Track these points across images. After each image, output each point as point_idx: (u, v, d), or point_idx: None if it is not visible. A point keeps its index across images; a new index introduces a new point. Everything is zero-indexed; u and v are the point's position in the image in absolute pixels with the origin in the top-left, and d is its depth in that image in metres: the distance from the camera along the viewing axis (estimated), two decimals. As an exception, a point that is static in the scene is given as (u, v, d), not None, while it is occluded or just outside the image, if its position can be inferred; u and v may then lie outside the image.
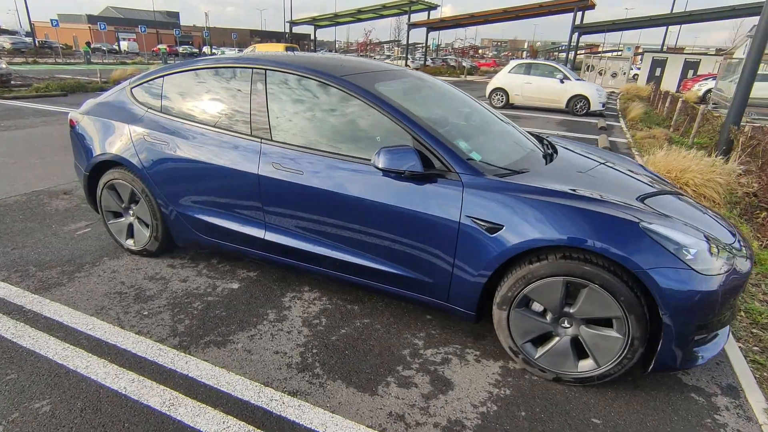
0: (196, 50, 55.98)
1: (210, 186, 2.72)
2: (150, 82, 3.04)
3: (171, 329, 2.44)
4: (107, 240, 3.49)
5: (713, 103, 16.47)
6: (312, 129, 2.50)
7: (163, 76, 2.98)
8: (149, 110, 2.97)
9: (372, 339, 2.44)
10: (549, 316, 2.09)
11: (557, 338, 2.11)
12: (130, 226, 3.21)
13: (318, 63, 2.64)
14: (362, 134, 2.43)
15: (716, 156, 7.28)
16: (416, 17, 35.96)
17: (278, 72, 2.60)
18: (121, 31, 58.87)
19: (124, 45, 53.25)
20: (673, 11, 26.28)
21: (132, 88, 3.12)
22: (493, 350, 2.40)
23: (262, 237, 2.67)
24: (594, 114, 12.92)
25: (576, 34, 28.08)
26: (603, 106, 12.70)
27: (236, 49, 51.07)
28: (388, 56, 56.52)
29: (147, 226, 3.12)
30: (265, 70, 2.63)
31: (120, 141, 2.97)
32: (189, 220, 2.89)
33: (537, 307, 2.12)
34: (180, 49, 49.80)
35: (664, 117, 13.49)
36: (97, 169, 3.15)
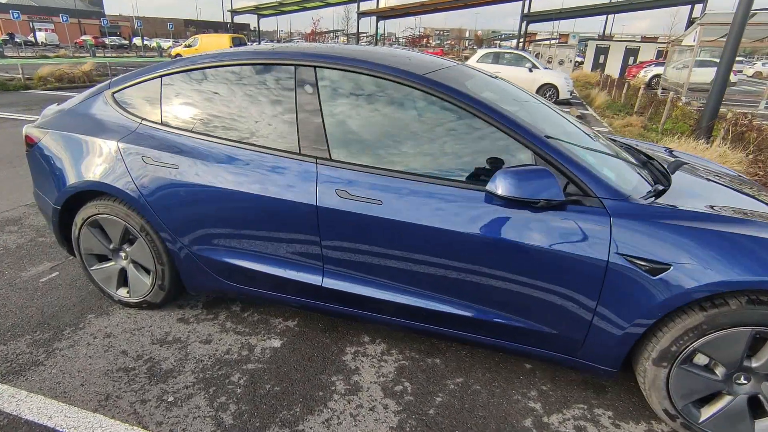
0: (126, 42, 51.87)
1: (242, 221, 2.08)
2: (141, 85, 2.30)
3: (215, 423, 1.80)
4: (86, 288, 2.72)
5: (662, 89, 17.19)
6: (388, 144, 1.93)
7: (159, 77, 2.26)
8: (144, 122, 2.25)
9: (478, 407, 1.93)
10: (721, 372, 1.69)
11: (730, 398, 1.71)
12: (122, 272, 2.48)
13: (384, 57, 2.05)
14: (461, 150, 1.88)
15: (698, 142, 7.39)
16: (365, 6, 35.10)
17: (335, 69, 1.99)
18: (37, 21, 53.18)
19: (41, 36, 48.09)
20: (615, 1, 27.30)
21: (114, 93, 2.37)
22: (625, 408, 1.97)
23: (319, 284, 2.07)
24: (563, 102, 12.97)
25: (524, 22, 28.52)
26: (571, 95, 12.78)
27: (172, 40, 47.69)
28: (336, 46, 55.12)
29: (147, 272, 2.41)
30: (315, 67, 2.01)
31: (106, 164, 2.23)
32: (210, 263, 2.22)
33: (702, 360, 1.71)
34: (107, 41, 45.82)
35: (623, 104, 13.82)
36: (72, 202, 2.38)
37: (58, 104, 2.64)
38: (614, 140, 2.81)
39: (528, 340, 1.88)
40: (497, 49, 14.10)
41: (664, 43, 27.98)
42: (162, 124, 2.22)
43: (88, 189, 2.29)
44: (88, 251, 2.47)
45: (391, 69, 1.93)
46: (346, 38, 66.64)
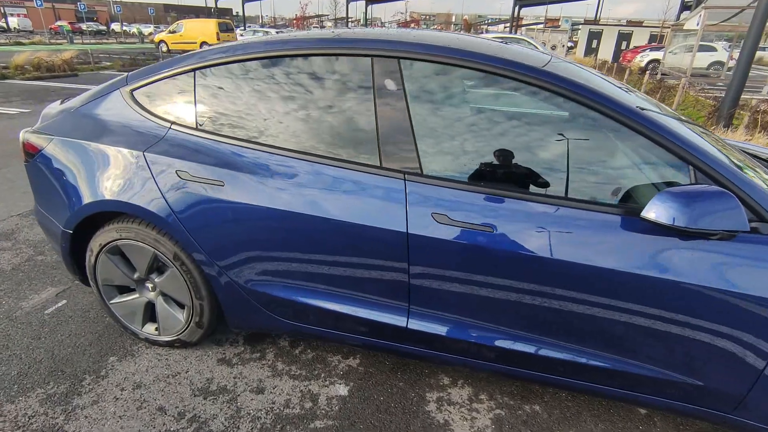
0: (104, 28, 49.88)
1: (306, 250, 1.69)
2: (167, 81, 1.88)
3: None
4: (102, 320, 2.31)
5: (662, 74, 16.98)
6: (500, 156, 1.55)
7: (192, 70, 1.84)
8: (175, 127, 1.83)
9: (603, 471, 1.61)
10: None
11: None
12: (149, 306, 2.08)
13: (481, 46, 1.66)
14: (594, 163, 1.51)
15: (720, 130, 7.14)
16: (353, -11, 34.05)
17: (426, 61, 1.59)
18: (8, 5, 50.74)
19: (13, 22, 45.90)
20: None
21: (133, 90, 1.93)
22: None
23: (403, 326, 1.70)
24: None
25: (517, 6, 28.03)
26: (576, 81, 12.43)
27: (153, 26, 45.93)
28: (323, 31, 53.85)
29: (181, 306, 2.01)
30: (399, 58, 1.61)
31: (130, 179, 1.81)
32: (263, 298, 1.84)
33: None
34: (84, 27, 43.92)
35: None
36: (87, 224, 1.96)
37: (61, 102, 2.20)
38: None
39: (674, 393, 1.55)
40: (501, 35, 13.66)
41: (657, 27, 27.79)
42: (198, 129, 1.81)
43: (107, 210, 1.87)
44: (107, 282, 2.06)
45: (499, 60, 1.54)
46: (333, 23, 65.10)
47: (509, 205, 1.48)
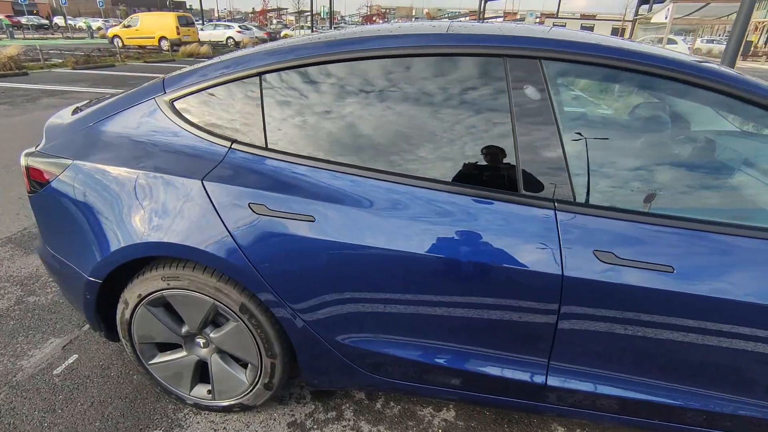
0: (46, 21, 46.55)
1: (420, 297, 1.36)
2: (221, 88, 1.49)
3: None
4: (129, 379, 1.89)
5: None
6: (678, 177, 1.28)
7: (258, 75, 1.46)
8: (237, 146, 1.45)
9: None
10: None
11: None
12: (200, 365, 1.69)
13: (630, 43, 1.38)
14: None
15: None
16: (316, -18, 33.17)
17: (576, 63, 1.29)
18: (-65, -2, 46.45)
19: (-59, 15, 42.03)
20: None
21: (175, 100, 1.53)
22: None
23: (541, 383, 1.41)
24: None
25: (483, 0, 28.15)
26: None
27: (102, 20, 43.14)
28: (285, 26, 52.47)
29: (244, 365, 1.64)
30: (540, 58, 1.30)
31: (185, 215, 1.42)
32: (357, 353, 1.49)
33: None
34: (24, 20, 40.80)
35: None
36: (121, 271, 1.55)
37: (73, 112, 1.75)
38: None
39: None
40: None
41: (618, 21, 28.67)
42: (268, 149, 1.44)
43: (152, 255, 1.47)
44: (145, 340, 1.65)
45: (668, 62, 1.26)
46: (296, 18, 63.40)
47: (694, 241, 1.21)
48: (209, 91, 1.50)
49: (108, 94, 1.81)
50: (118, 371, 1.94)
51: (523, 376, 1.42)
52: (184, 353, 1.68)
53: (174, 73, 1.60)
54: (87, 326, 2.20)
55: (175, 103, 1.53)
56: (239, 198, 1.39)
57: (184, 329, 1.63)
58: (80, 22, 44.25)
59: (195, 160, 1.45)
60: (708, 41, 27.33)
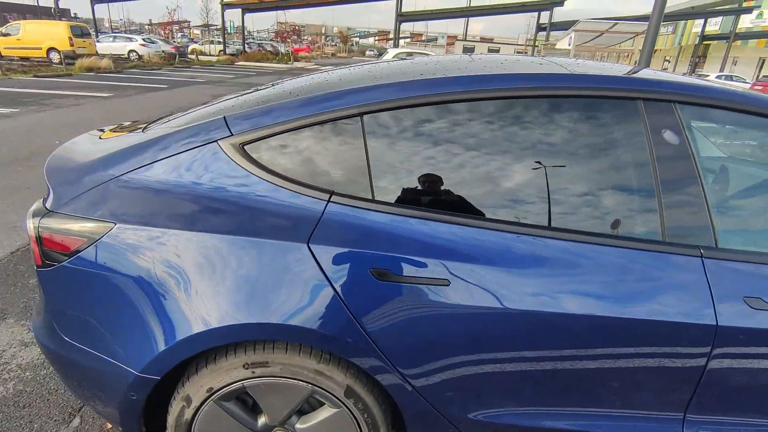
0: None
1: (560, 360, 1.24)
2: (307, 130, 1.25)
3: None
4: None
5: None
6: None
7: (359, 114, 1.24)
8: (338, 199, 1.21)
9: None
10: None
11: None
12: (275, 462, 1.38)
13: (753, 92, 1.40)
14: None
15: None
16: (227, -4, 31.95)
17: (712, 107, 1.27)
18: None
19: None
20: (476, 5, 29.70)
21: (245, 144, 1.25)
22: None
23: (678, 433, 1.35)
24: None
25: (398, 22, 29.20)
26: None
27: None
28: (192, 39, 49.74)
29: (335, 456, 1.37)
30: (674, 102, 1.25)
31: (283, 287, 1.15)
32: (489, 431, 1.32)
33: None
34: None
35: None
36: (185, 365, 1.22)
37: (94, 141, 1.36)
38: None
39: None
40: (409, 50, 14.02)
41: (521, 45, 31.38)
42: (375, 201, 1.22)
43: (238, 340, 1.17)
44: (209, 442, 1.31)
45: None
46: (201, 32, 60.30)
47: None
48: (295, 133, 1.25)
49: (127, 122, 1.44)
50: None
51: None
52: (256, 454, 1.36)
53: (241, 112, 1.31)
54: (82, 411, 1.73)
55: (246, 147, 1.26)
56: (358, 263, 1.16)
57: (261, 421, 1.32)
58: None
59: (287, 219, 1.19)
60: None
